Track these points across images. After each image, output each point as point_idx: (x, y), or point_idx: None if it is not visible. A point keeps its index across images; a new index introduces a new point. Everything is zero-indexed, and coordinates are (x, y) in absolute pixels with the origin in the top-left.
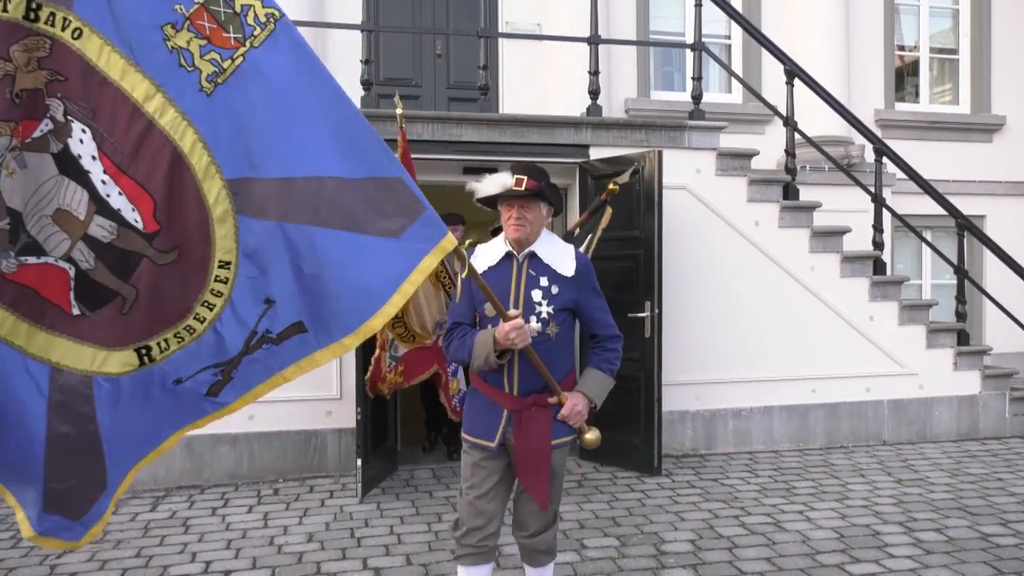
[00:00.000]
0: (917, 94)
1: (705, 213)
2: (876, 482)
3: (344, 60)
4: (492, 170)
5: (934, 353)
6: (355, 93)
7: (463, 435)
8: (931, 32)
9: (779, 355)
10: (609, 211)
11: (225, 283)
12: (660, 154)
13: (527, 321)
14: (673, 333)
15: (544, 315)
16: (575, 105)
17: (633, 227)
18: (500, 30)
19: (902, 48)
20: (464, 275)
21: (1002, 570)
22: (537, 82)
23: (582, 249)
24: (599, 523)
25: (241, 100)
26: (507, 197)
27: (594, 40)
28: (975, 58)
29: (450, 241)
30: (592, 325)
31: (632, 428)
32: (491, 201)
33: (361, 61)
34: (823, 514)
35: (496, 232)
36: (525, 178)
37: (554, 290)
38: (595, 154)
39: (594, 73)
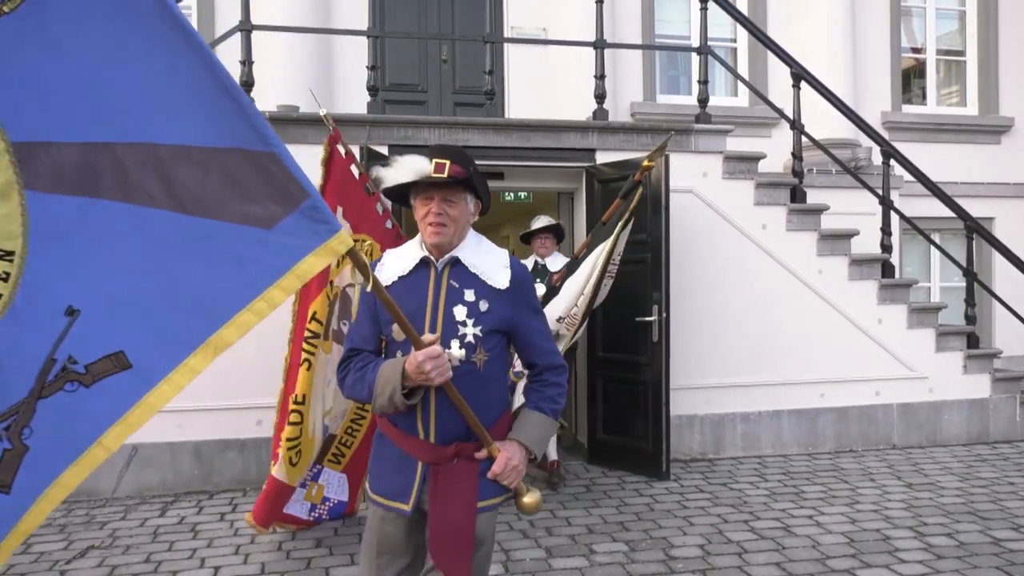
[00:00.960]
0: (924, 96)
1: (712, 217)
2: (886, 486)
3: (350, 66)
4: (499, 175)
5: (944, 356)
6: (362, 99)
7: (368, 492)
8: (938, 34)
9: (788, 359)
10: (640, 191)
11: (6, 281)
12: (667, 157)
13: (447, 347)
14: (681, 337)
15: (470, 339)
16: (581, 109)
17: (640, 231)
18: (506, 35)
19: (914, 50)
20: (368, 287)
21: (1013, 574)
22: (543, 87)
23: (606, 246)
24: (608, 528)
25: (36, 35)
26: (424, 188)
27: (600, 44)
28: (982, 59)
29: (342, 241)
30: (529, 352)
31: (640, 432)
32: (402, 194)
33: (367, 67)
34: (833, 519)
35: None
36: (447, 162)
37: (483, 306)
38: (601, 158)
39: (600, 77)
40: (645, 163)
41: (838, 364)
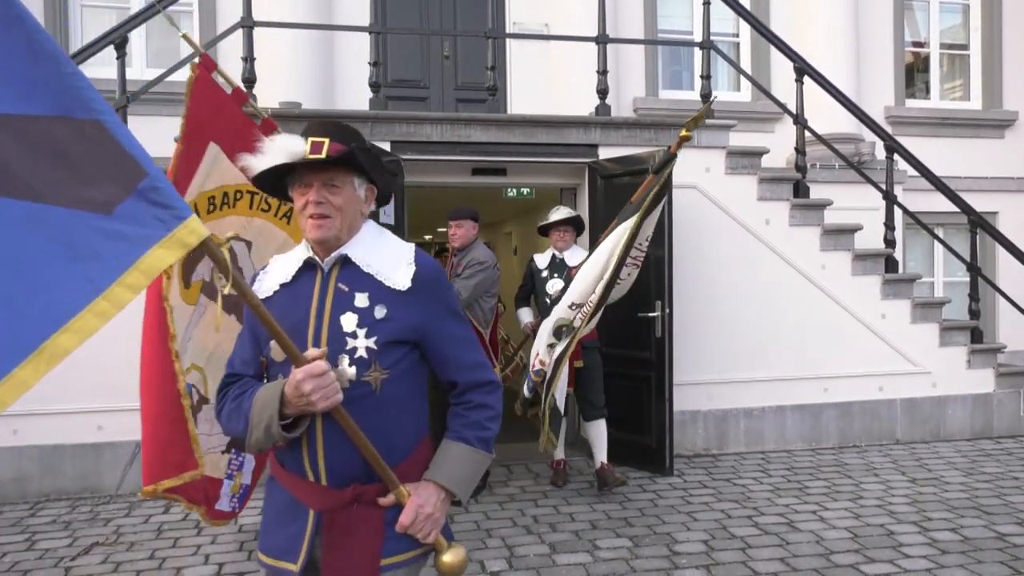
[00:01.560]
0: (928, 90)
1: (715, 212)
2: (890, 481)
3: (352, 62)
4: (501, 171)
5: (947, 351)
6: (363, 95)
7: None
8: (941, 27)
9: (791, 354)
10: (673, 164)
11: None
12: None
13: (335, 364)
14: (684, 332)
15: (361, 354)
16: (584, 105)
17: None
18: (508, 31)
19: (918, 44)
20: (226, 288)
21: (1019, 570)
22: (545, 82)
23: (628, 225)
24: (611, 523)
25: None
26: (302, 174)
27: (602, 39)
28: (986, 53)
29: (193, 231)
30: (447, 367)
31: (643, 428)
32: (279, 184)
33: (369, 63)
34: (837, 514)
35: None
36: (326, 140)
37: (379, 312)
38: (604, 154)
39: (602, 72)
40: (683, 133)
41: (841, 359)
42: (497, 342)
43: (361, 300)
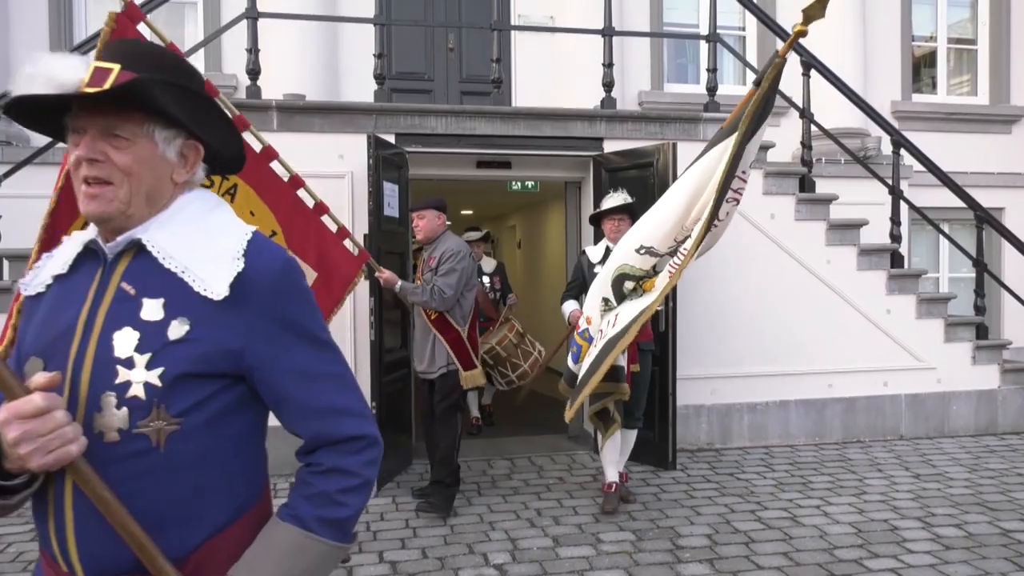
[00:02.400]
0: (935, 85)
1: None
2: (894, 477)
3: (357, 54)
4: (506, 164)
5: (952, 347)
6: (368, 87)
7: None
8: (949, 22)
9: (795, 349)
10: (778, 69)
11: None
12: (675, 147)
13: (96, 404)
14: (688, 327)
15: (137, 392)
16: (589, 98)
17: None
18: (513, 23)
19: (925, 39)
20: None
21: (1022, 566)
22: (550, 75)
23: (729, 144)
24: (614, 517)
25: None
26: (77, 114)
27: (608, 32)
28: (994, 48)
29: None
30: (288, 413)
31: (647, 422)
32: (54, 123)
33: (374, 55)
34: (840, 509)
35: (597, 220)
36: (115, 67)
37: (175, 330)
38: (609, 147)
39: (608, 65)
40: (797, 28)
41: (846, 354)
42: (477, 341)
43: (150, 310)
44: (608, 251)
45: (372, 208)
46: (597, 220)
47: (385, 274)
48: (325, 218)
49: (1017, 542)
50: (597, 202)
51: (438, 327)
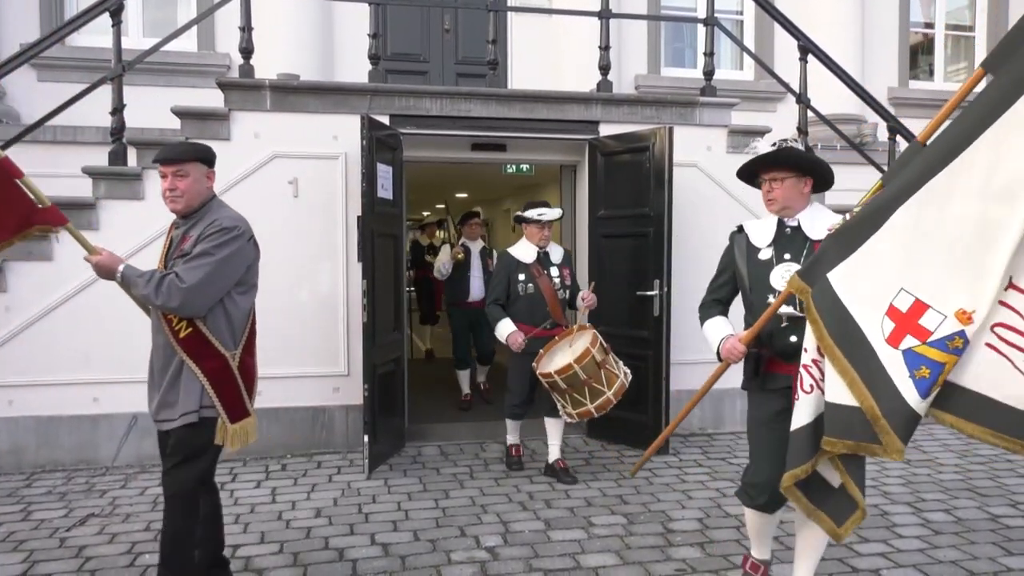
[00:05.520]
0: (932, 72)
1: (715, 191)
2: (884, 462)
3: (352, 34)
4: (501, 147)
5: None
6: (363, 68)
7: None
8: (947, 9)
9: None
10: None
11: None
12: (671, 131)
13: None
14: (683, 311)
15: None
16: (585, 81)
17: (643, 204)
18: (509, 4)
19: (922, 26)
20: None
21: (1011, 551)
22: (547, 57)
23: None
24: (606, 501)
25: None
26: None
27: (605, 15)
28: (992, 35)
29: None
30: None
31: (640, 407)
32: None
33: (369, 35)
34: None
35: (753, 177)
36: None
37: None
38: (605, 130)
39: (604, 48)
40: None
41: None
42: (254, 372)
43: None
44: (783, 227)
45: (365, 190)
46: (753, 176)
47: (98, 257)
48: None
49: (1006, 527)
50: (593, 186)
51: (189, 348)
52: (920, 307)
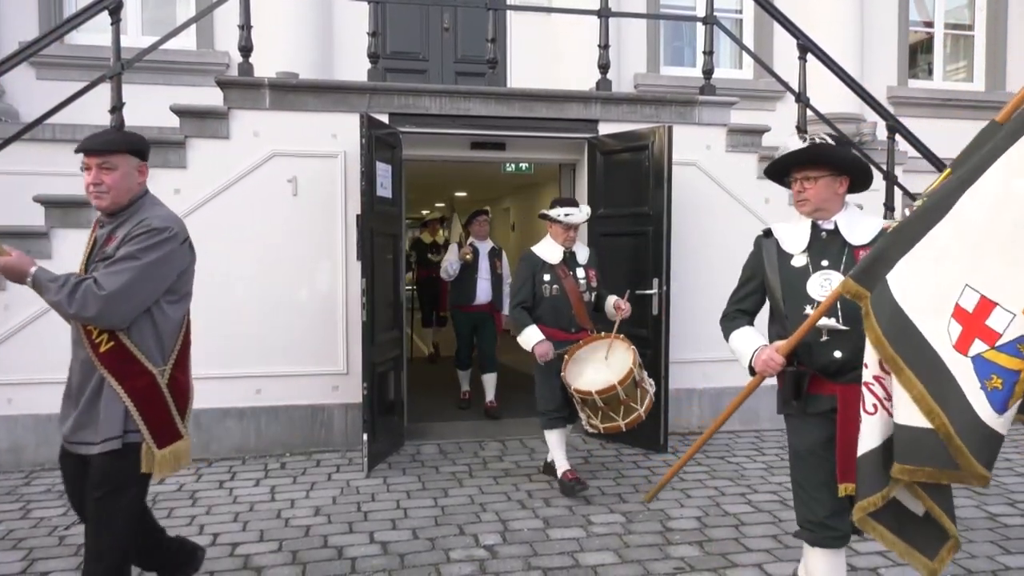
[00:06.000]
0: (931, 71)
1: (715, 190)
2: None
3: (351, 32)
4: (500, 146)
5: None
6: (362, 66)
7: None
8: (946, 8)
9: None
10: None
11: None
12: (670, 130)
13: None
14: (681, 310)
15: None
16: (584, 80)
17: (642, 203)
18: (509, 2)
19: (922, 24)
20: None
21: (1009, 550)
22: (546, 56)
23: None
24: (605, 499)
25: None
26: None
27: (604, 13)
28: (990, 34)
29: None
30: None
31: None
32: None
33: (368, 33)
34: None
35: (784, 173)
36: None
37: None
38: (604, 129)
39: (604, 47)
40: None
41: None
42: (188, 390)
43: None
44: (817, 230)
45: (364, 188)
46: (783, 173)
47: (5, 258)
48: None
49: (1004, 525)
50: (592, 185)
51: (110, 364)
52: (987, 305)
